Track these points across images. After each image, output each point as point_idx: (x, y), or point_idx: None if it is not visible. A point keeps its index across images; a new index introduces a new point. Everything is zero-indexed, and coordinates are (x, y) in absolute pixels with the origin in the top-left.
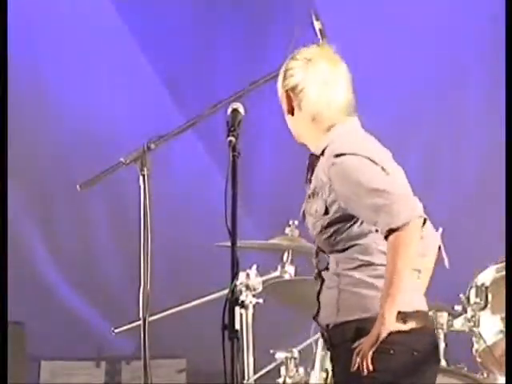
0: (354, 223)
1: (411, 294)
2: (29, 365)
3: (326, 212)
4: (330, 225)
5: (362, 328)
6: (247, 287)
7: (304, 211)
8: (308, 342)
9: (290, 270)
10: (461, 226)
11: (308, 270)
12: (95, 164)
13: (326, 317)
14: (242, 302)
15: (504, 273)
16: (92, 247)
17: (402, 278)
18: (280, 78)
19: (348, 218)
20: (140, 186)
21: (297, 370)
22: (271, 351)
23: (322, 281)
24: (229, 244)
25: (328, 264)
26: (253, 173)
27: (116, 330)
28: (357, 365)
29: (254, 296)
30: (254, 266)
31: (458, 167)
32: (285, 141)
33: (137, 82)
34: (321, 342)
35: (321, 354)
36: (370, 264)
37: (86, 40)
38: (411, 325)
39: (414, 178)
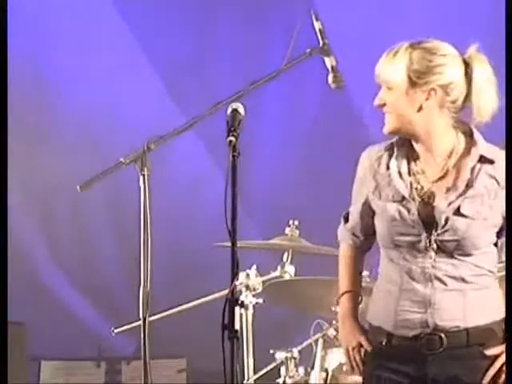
0: (501, 232)
1: None
2: (29, 365)
3: (491, 218)
4: (484, 230)
5: (492, 333)
6: (247, 287)
7: (458, 208)
8: (308, 342)
9: (290, 270)
10: None
11: (308, 270)
12: (95, 164)
13: (448, 319)
14: (242, 302)
15: (504, 273)
16: (92, 247)
17: None
18: (418, 69)
19: (500, 227)
20: (140, 186)
21: (297, 370)
22: (271, 351)
23: (438, 282)
24: (229, 244)
25: (441, 266)
26: (253, 173)
27: (116, 330)
28: (505, 372)
29: (253, 296)
30: (254, 266)
31: None
32: (285, 141)
33: (137, 82)
34: (321, 342)
35: (321, 354)
36: (491, 272)
37: (86, 39)
38: None
39: None
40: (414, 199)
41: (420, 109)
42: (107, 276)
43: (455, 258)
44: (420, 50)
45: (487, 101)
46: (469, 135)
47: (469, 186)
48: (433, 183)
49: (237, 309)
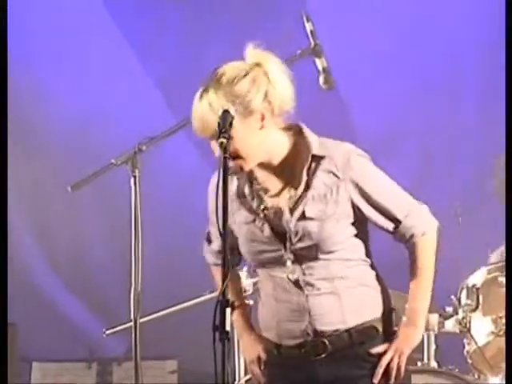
0: (357, 222)
1: None
2: (20, 366)
3: (339, 212)
4: (337, 225)
5: (373, 330)
6: None
7: (303, 213)
8: None
9: None
10: (452, 228)
11: None
12: (87, 165)
13: (328, 323)
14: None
15: (496, 274)
16: (84, 248)
17: (431, 281)
18: (242, 100)
19: (352, 217)
20: (131, 187)
21: None
22: None
23: (310, 287)
24: None
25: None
26: None
27: (107, 332)
28: (394, 369)
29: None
30: (245, 268)
31: (451, 170)
32: None
33: (130, 84)
34: None
35: None
36: (363, 261)
37: (81, 42)
38: None
39: (410, 182)
40: (264, 218)
41: (255, 131)
42: (99, 277)
43: (321, 259)
44: (212, 91)
45: (284, 89)
46: (298, 134)
47: (308, 187)
48: (277, 196)
49: (228, 310)
